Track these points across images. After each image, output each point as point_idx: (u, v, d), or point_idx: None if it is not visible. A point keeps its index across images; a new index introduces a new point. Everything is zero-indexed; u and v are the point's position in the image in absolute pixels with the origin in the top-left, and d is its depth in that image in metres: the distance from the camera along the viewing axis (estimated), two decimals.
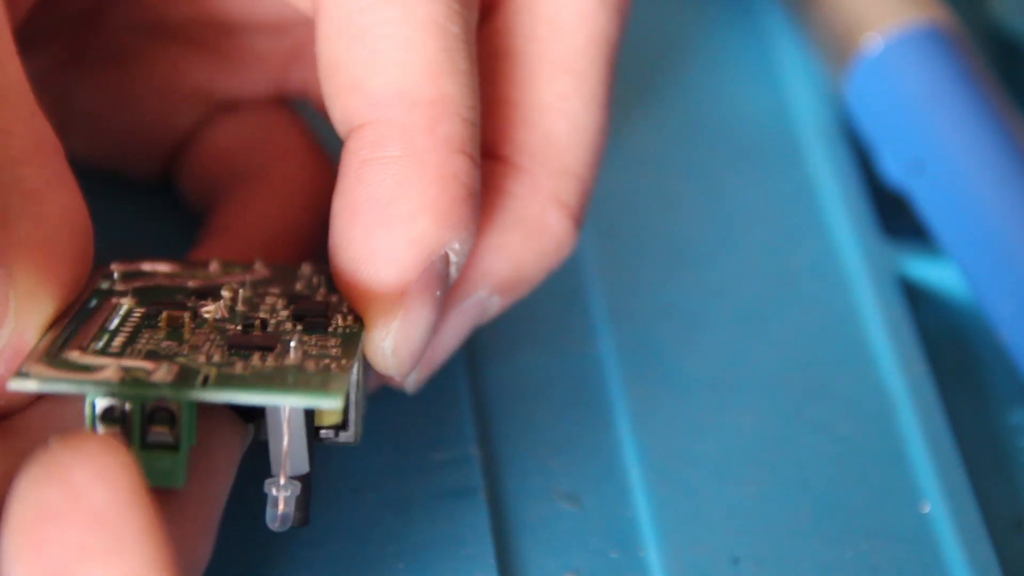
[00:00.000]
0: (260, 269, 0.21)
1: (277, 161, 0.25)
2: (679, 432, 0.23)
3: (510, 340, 0.25)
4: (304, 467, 0.18)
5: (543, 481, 0.22)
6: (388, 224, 0.18)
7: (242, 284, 0.20)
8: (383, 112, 0.18)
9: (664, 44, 0.32)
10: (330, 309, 0.19)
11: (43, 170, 0.18)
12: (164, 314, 0.19)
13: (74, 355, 0.17)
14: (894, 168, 0.27)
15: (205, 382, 0.17)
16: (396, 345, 0.18)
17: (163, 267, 0.21)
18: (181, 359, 0.18)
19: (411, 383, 0.21)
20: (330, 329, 0.19)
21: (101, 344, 0.18)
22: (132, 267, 0.21)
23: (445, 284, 0.19)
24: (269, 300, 0.20)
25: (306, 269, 0.21)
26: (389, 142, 0.18)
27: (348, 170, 0.18)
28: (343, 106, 0.19)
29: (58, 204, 0.18)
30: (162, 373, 0.17)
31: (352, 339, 0.18)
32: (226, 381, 0.17)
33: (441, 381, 0.23)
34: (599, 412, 0.23)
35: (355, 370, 0.18)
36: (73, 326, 0.18)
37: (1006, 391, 0.25)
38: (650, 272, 0.26)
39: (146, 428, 0.17)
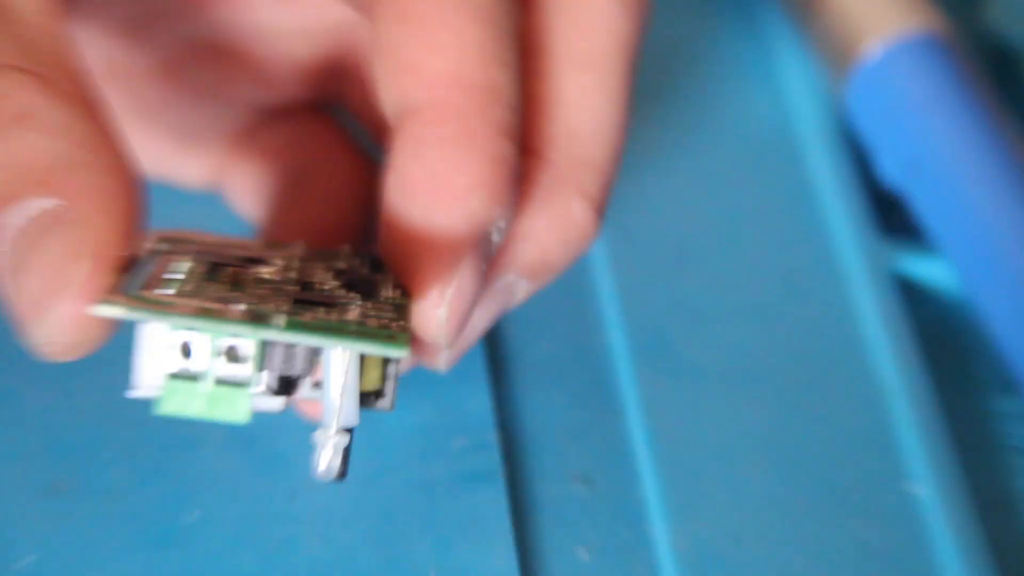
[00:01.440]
0: (301, 249, 0.21)
1: (320, 161, 0.24)
2: (686, 419, 0.23)
3: (527, 333, 0.25)
4: (354, 419, 0.18)
5: (558, 465, 0.22)
6: (447, 198, 0.18)
7: (289, 258, 0.20)
8: (440, 93, 0.18)
9: (669, 50, 0.31)
10: (376, 283, 0.19)
11: (93, 119, 0.19)
12: (229, 270, 0.19)
13: (150, 294, 0.18)
14: (892, 170, 0.27)
15: (277, 326, 0.17)
16: (449, 313, 0.18)
17: (209, 238, 0.21)
18: (251, 306, 0.18)
19: (445, 361, 0.20)
20: (380, 298, 0.19)
21: (172, 290, 0.18)
22: (180, 235, 0.21)
23: (488, 260, 0.19)
24: (317, 274, 0.20)
25: (346, 249, 0.21)
26: (445, 122, 0.18)
27: (405, 148, 0.18)
28: (400, 86, 0.18)
29: (111, 153, 0.18)
30: (239, 313, 0.17)
31: (402, 309, 0.18)
32: (298, 325, 0.17)
33: (462, 372, 0.23)
34: (611, 400, 0.23)
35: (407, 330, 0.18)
36: (138, 276, 0.18)
37: (993, 381, 0.25)
38: (659, 269, 0.26)
39: (217, 363, 0.18)
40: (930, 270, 0.27)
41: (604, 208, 0.20)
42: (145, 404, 0.18)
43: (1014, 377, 0.25)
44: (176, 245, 0.20)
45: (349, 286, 0.19)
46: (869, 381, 0.24)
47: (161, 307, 0.17)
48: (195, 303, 0.17)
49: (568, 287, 0.25)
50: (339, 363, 0.18)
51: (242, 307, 0.17)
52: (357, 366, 0.18)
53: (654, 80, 0.30)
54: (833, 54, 0.28)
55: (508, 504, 0.21)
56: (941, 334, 0.26)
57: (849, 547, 0.22)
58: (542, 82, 0.21)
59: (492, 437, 0.22)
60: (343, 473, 0.18)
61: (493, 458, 0.22)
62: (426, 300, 0.18)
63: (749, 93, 0.30)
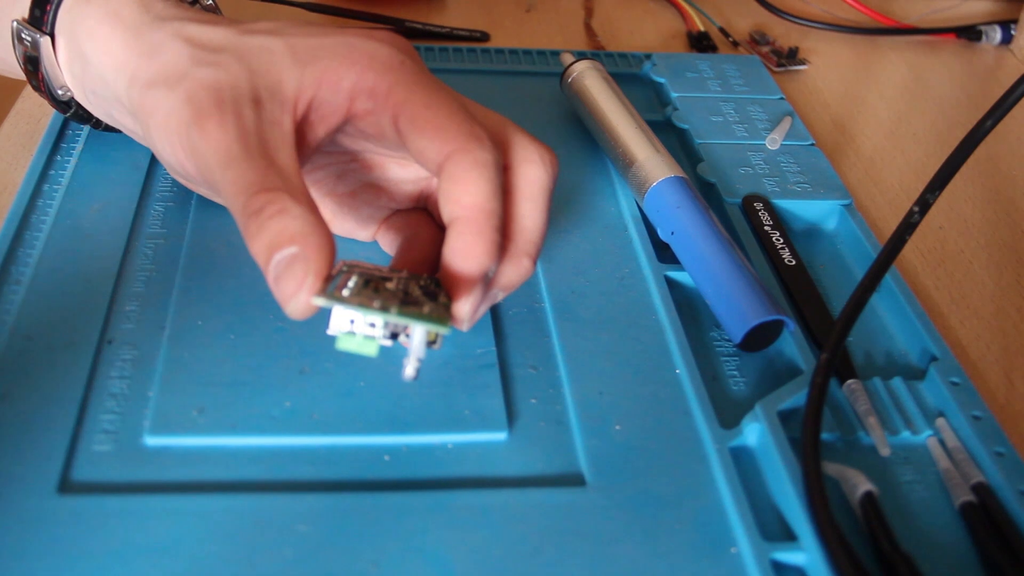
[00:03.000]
0: (407, 273, 0.29)
1: (421, 231, 0.34)
2: (577, 340, 0.33)
3: (507, 303, 0.34)
4: (422, 354, 0.27)
5: (522, 361, 0.32)
6: (474, 260, 0.27)
7: (401, 279, 0.28)
8: (471, 212, 0.27)
9: (571, 187, 0.41)
10: (437, 293, 0.28)
11: (314, 212, 0.26)
12: (373, 283, 0.26)
13: (339, 294, 0.25)
14: (662, 233, 0.37)
15: (393, 313, 0.25)
16: (471, 307, 0.28)
17: (368, 265, 0.29)
18: (382, 303, 0.26)
19: (467, 326, 0.28)
20: (439, 300, 0.28)
21: (347, 293, 0.26)
22: (354, 263, 0.28)
23: (486, 285, 0.28)
24: (411, 287, 0.27)
25: (426, 275, 0.29)
26: (473, 226, 0.27)
27: (453, 235, 0.27)
28: (451, 207, 0.28)
29: (322, 227, 0.26)
30: (377, 305, 0.25)
31: (447, 306, 0.27)
32: (402, 312, 0.25)
33: (475, 327, 0.32)
34: (545, 332, 0.33)
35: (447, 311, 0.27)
36: (334, 284, 0.26)
37: (708, 323, 0.35)
38: (562, 277, 0.35)
39: (364, 327, 0.26)
40: (680, 276, 0.36)
41: (536, 259, 0.30)
42: (332, 340, 0.27)
43: (718, 321, 0.34)
44: (351, 268, 0.28)
45: (425, 293, 0.28)
46: (657, 324, 0.34)
47: (342, 300, 0.26)
48: (356, 300, 0.26)
49: (527, 288, 0.35)
50: (419, 330, 0.27)
51: (377, 303, 0.26)
52: (425, 333, 0.27)
53: (565, 195, 0.39)
54: (638, 187, 0.39)
55: (499, 378, 0.31)
56: (686, 303, 0.36)
57: (646, 394, 0.31)
58: (511, 208, 0.30)
59: (492, 352, 0.32)
60: (415, 377, 0.27)
61: (491, 359, 0.32)
62: (461, 301, 0.27)
63: (604, 202, 0.40)
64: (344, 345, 0.26)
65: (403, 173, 0.34)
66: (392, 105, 0.28)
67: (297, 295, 0.25)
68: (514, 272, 0.29)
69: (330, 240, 0.26)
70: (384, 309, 0.25)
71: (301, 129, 0.28)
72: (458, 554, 0.26)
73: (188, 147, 0.28)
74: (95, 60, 0.31)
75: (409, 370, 0.26)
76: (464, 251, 0.27)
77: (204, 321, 0.32)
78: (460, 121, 0.28)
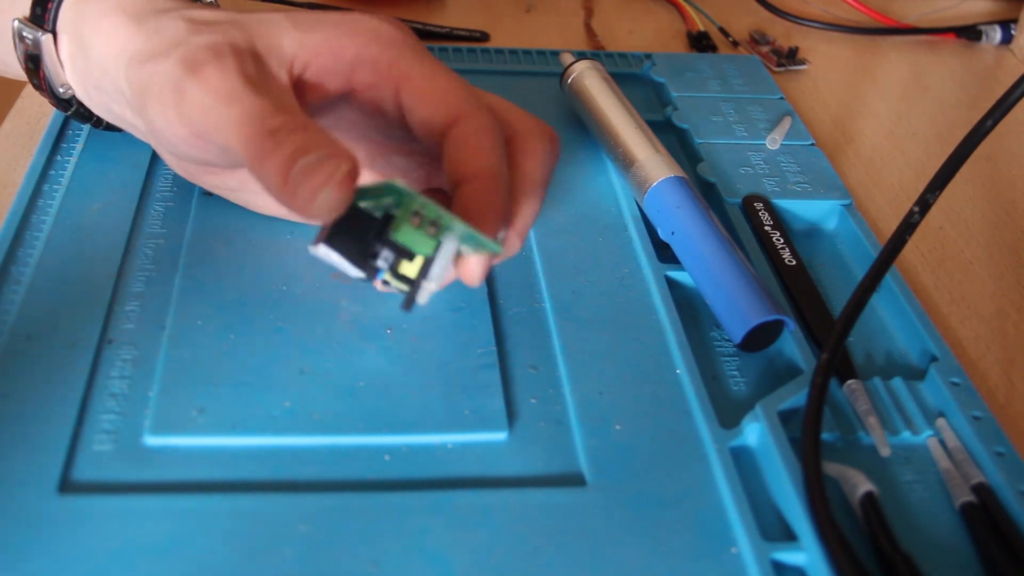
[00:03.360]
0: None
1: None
2: (576, 339, 0.33)
3: (506, 302, 0.34)
4: (443, 279, 0.27)
5: (522, 360, 0.32)
6: (492, 215, 0.27)
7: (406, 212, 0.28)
8: (485, 172, 0.27)
9: (570, 184, 0.41)
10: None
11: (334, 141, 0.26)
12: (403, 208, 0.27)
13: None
14: (662, 233, 0.37)
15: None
16: (484, 266, 0.29)
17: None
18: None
19: (479, 278, 0.29)
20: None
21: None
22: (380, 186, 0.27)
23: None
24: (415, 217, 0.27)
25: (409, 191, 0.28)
26: (492, 184, 0.28)
27: (465, 197, 0.27)
28: (461, 170, 0.28)
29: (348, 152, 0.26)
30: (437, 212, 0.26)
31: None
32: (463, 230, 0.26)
33: (476, 318, 0.32)
34: (545, 330, 0.33)
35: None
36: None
37: (708, 323, 0.35)
38: (562, 274, 0.35)
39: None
40: (681, 276, 0.36)
41: (525, 237, 0.31)
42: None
43: (718, 321, 0.34)
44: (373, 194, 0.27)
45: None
46: (657, 324, 0.34)
47: (396, 220, 0.26)
48: (405, 219, 0.26)
49: (527, 288, 0.35)
50: (450, 251, 0.27)
51: (432, 228, 0.27)
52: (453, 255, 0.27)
53: (565, 196, 0.40)
54: (638, 186, 0.39)
55: (499, 378, 0.31)
56: (687, 302, 0.36)
57: (647, 394, 0.31)
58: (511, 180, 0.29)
59: (492, 352, 0.32)
60: (411, 308, 0.27)
61: (491, 359, 0.32)
62: (470, 267, 0.28)
63: (604, 202, 0.40)
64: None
65: (406, 163, 0.34)
66: (394, 78, 0.28)
67: (327, 187, 0.24)
68: (511, 248, 0.30)
69: (354, 158, 0.25)
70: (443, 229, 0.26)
71: (299, 89, 0.28)
72: (458, 554, 0.26)
73: (183, 104, 0.27)
74: (98, 51, 0.32)
75: (423, 296, 0.27)
76: (478, 212, 0.27)
77: (204, 321, 0.32)
78: (463, 91, 0.28)
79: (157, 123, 0.29)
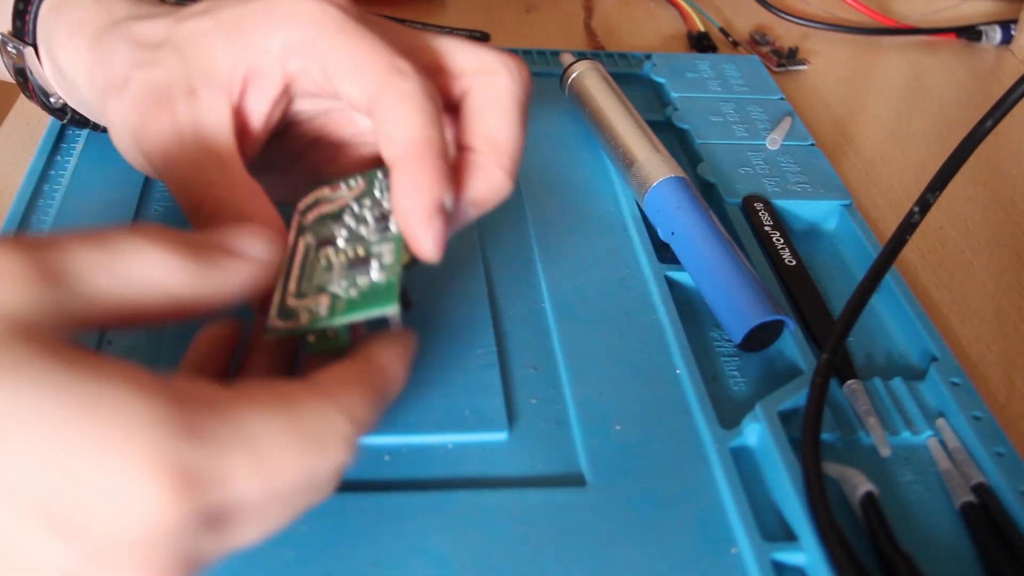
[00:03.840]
0: (359, 183, 0.28)
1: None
2: (577, 339, 0.33)
3: (505, 302, 0.34)
4: (399, 321, 0.25)
5: (522, 360, 0.32)
6: (420, 193, 0.25)
7: (357, 199, 0.27)
8: (405, 146, 0.26)
9: (572, 182, 0.41)
10: (389, 214, 0.26)
11: (258, 199, 0.26)
12: (323, 252, 0.26)
13: (291, 302, 0.25)
14: (662, 233, 0.37)
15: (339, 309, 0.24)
16: (435, 243, 0.25)
17: (327, 190, 0.28)
18: (330, 288, 0.25)
19: (438, 258, 0.26)
20: (391, 231, 0.26)
21: (297, 289, 0.25)
22: (311, 199, 0.28)
23: (443, 215, 0.26)
24: (365, 212, 0.27)
25: (380, 174, 0.28)
26: (414, 158, 0.26)
27: (395, 175, 0.26)
28: (387, 150, 0.26)
29: (266, 215, 0.26)
30: (324, 310, 0.24)
31: (397, 239, 0.26)
32: (351, 308, 0.24)
33: (478, 319, 0.32)
34: (545, 330, 0.33)
35: (399, 263, 0.25)
36: (286, 271, 0.25)
37: (709, 323, 0.35)
38: (564, 275, 0.35)
39: (323, 335, 0.25)
40: (682, 276, 0.36)
41: (514, 175, 0.28)
42: None
43: (718, 321, 0.34)
44: (307, 214, 0.27)
45: (379, 222, 0.26)
46: (657, 324, 0.34)
47: (293, 321, 0.24)
48: (294, 324, 0.24)
49: (527, 288, 0.35)
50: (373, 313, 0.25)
51: (324, 306, 0.24)
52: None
53: (565, 196, 0.40)
54: (639, 186, 0.39)
55: (500, 378, 0.31)
56: (686, 302, 0.36)
57: (647, 394, 0.31)
58: (476, 118, 0.28)
59: (492, 352, 0.32)
60: (409, 307, 0.26)
61: (492, 359, 0.32)
62: (421, 240, 0.25)
63: (604, 202, 0.40)
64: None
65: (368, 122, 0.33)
66: (318, 58, 0.28)
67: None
68: (486, 186, 0.28)
69: (266, 221, 0.26)
70: (330, 315, 0.25)
71: (244, 109, 0.28)
72: (458, 554, 0.26)
73: (140, 151, 0.28)
74: (69, 72, 0.32)
75: (395, 321, 0.26)
76: (410, 186, 0.26)
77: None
78: (380, 58, 0.27)
79: (123, 153, 0.30)
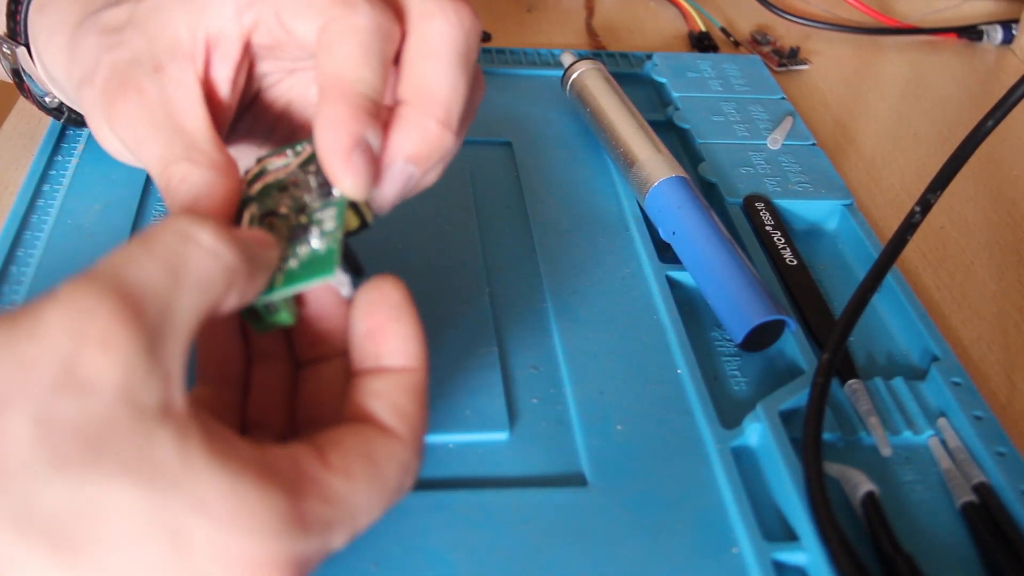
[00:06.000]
0: (306, 148, 0.27)
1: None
2: (577, 338, 0.33)
3: (505, 303, 0.34)
4: (350, 290, 0.25)
5: (522, 360, 0.32)
6: (337, 126, 0.24)
7: (302, 165, 0.26)
8: (332, 79, 0.25)
9: (572, 184, 0.41)
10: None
11: (232, 173, 0.26)
12: (265, 223, 0.25)
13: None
14: (664, 233, 0.37)
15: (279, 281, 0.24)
16: (360, 182, 0.24)
17: (275, 159, 0.27)
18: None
19: (383, 206, 0.26)
20: (334, 196, 0.25)
21: None
22: (257, 168, 0.27)
23: (368, 156, 0.24)
24: (310, 178, 0.26)
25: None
26: (336, 90, 0.25)
27: (318, 106, 0.25)
28: (318, 81, 0.25)
29: (238, 190, 0.26)
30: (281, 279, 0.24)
31: (340, 204, 0.25)
32: (290, 279, 0.24)
33: (480, 324, 0.32)
34: (546, 329, 0.33)
35: (340, 228, 0.24)
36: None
37: (710, 323, 0.35)
38: (564, 275, 0.35)
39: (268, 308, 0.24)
40: (683, 276, 0.36)
41: (453, 126, 0.26)
42: None
43: (719, 320, 0.34)
44: (252, 184, 0.26)
45: (321, 187, 0.25)
46: (658, 323, 0.34)
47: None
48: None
49: (528, 288, 0.35)
50: (315, 283, 0.24)
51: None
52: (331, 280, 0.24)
53: (566, 195, 0.40)
54: (640, 186, 0.39)
55: (501, 378, 0.31)
56: (687, 303, 0.36)
57: (648, 394, 0.31)
58: (408, 65, 0.26)
59: (493, 352, 0.32)
60: (360, 273, 0.25)
61: (492, 359, 0.32)
62: (344, 177, 0.24)
63: (605, 202, 0.40)
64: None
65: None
66: (271, 4, 0.27)
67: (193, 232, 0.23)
68: (418, 138, 0.26)
69: (228, 200, 0.26)
70: (268, 289, 0.24)
71: (211, 78, 0.28)
72: (459, 554, 0.26)
73: (113, 135, 0.28)
74: (52, 71, 0.32)
75: (345, 290, 0.25)
76: (328, 120, 0.24)
77: None
78: None
79: (101, 142, 0.29)
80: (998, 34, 0.60)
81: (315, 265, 0.24)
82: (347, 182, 0.24)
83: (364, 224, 0.26)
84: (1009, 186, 0.46)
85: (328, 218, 0.25)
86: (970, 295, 0.39)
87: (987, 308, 0.38)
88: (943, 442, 0.31)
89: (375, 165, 0.25)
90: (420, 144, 0.26)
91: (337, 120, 0.24)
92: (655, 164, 0.38)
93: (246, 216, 0.26)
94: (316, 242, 0.24)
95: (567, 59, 0.45)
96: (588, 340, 0.33)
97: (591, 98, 0.42)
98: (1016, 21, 0.60)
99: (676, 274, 0.36)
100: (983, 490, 0.29)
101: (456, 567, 0.25)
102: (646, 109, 0.46)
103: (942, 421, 0.31)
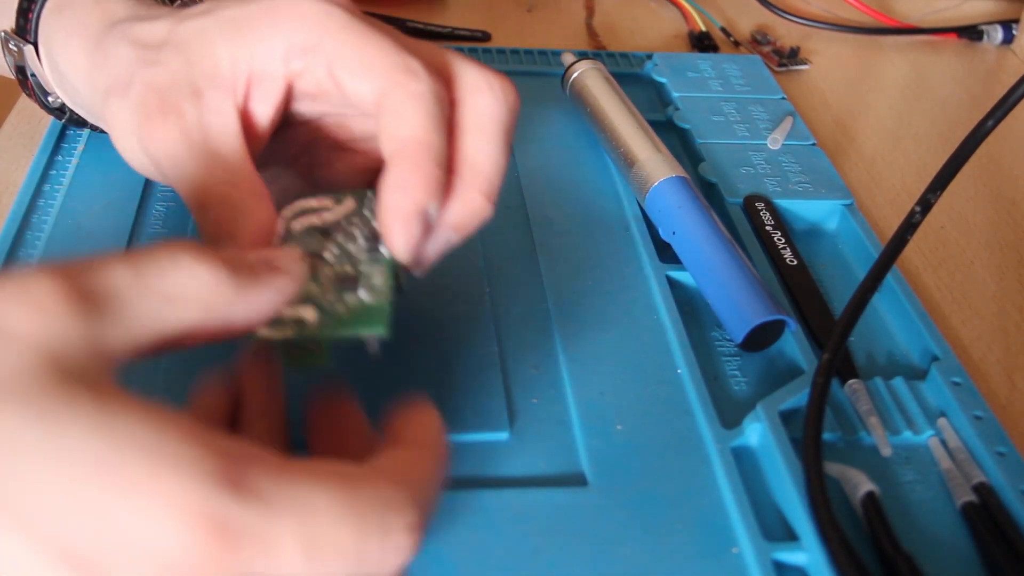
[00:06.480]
0: (349, 201, 0.28)
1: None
2: (577, 339, 0.33)
3: (507, 303, 0.34)
4: (378, 348, 0.25)
5: (523, 360, 0.32)
6: (408, 193, 0.26)
7: (347, 217, 0.27)
8: (405, 144, 0.26)
9: (572, 183, 0.41)
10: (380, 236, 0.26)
11: (264, 203, 0.27)
12: (310, 263, 0.25)
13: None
14: (664, 233, 0.37)
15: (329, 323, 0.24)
16: (410, 246, 0.26)
17: (314, 202, 0.27)
18: (318, 301, 0.24)
19: (420, 272, 0.27)
20: (382, 254, 0.26)
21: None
22: (296, 208, 0.27)
23: (423, 223, 0.26)
24: (355, 231, 0.27)
25: (371, 194, 0.28)
26: (411, 159, 0.26)
27: (389, 169, 0.26)
28: (387, 145, 0.26)
29: (270, 219, 0.26)
30: (313, 322, 0.24)
31: (389, 263, 0.26)
32: (340, 324, 0.24)
33: (479, 323, 0.32)
34: (547, 331, 0.33)
35: (390, 284, 0.25)
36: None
37: (710, 323, 0.35)
38: (564, 277, 0.35)
39: (306, 348, 0.25)
40: (683, 276, 0.36)
41: (493, 198, 0.28)
42: None
43: (719, 320, 0.34)
44: (297, 219, 0.27)
45: (369, 243, 0.26)
46: (658, 323, 0.34)
47: (270, 338, 0.24)
48: (280, 333, 0.24)
49: (528, 288, 0.35)
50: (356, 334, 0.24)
51: (311, 315, 0.24)
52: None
53: (567, 195, 0.40)
54: (640, 186, 0.39)
55: (501, 378, 0.31)
56: (687, 302, 0.36)
57: (648, 394, 0.31)
58: (460, 139, 0.28)
59: (493, 351, 0.32)
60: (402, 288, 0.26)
61: (493, 359, 0.32)
62: (397, 238, 0.25)
63: (605, 202, 0.40)
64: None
65: (366, 126, 0.32)
66: (324, 57, 0.27)
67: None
68: (464, 209, 0.28)
69: (265, 226, 0.26)
70: (319, 328, 0.24)
71: (248, 111, 0.28)
72: (459, 554, 0.26)
73: (145, 152, 0.28)
74: (68, 74, 0.32)
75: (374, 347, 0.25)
76: (398, 184, 0.26)
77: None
78: (391, 56, 0.27)
79: (128, 158, 0.29)
80: (998, 34, 0.60)
81: (366, 317, 0.24)
82: (401, 247, 0.26)
83: (399, 287, 0.27)
84: (1009, 186, 0.46)
85: (377, 274, 0.26)
86: (970, 295, 0.39)
87: (987, 308, 0.38)
88: (943, 442, 0.31)
89: (429, 233, 0.26)
90: (466, 216, 0.28)
91: (407, 186, 0.26)
92: (655, 164, 0.38)
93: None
94: (366, 295, 0.25)
95: (567, 59, 0.45)
96: (588, 340, 0.33)
97: (591, 98, 0.43)
98: (1016, 21, 0.60)
99: (676, 274, 0.36)
100: (983, 490, 0.29)
101: (456, 567, 0.25)
102: (646, 109, 0.46)
103: (942, 421, 0.31)
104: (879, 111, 0.52)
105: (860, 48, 0.59)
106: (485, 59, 0.50)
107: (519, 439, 0.29)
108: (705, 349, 0.34)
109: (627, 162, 0.40)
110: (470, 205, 0.28)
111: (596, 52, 0.52)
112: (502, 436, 0.29)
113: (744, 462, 0.30)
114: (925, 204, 0.33)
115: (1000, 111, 0.33)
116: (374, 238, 0.27)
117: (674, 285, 0.36)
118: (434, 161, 0.26)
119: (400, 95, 0.26)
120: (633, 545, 0.27)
